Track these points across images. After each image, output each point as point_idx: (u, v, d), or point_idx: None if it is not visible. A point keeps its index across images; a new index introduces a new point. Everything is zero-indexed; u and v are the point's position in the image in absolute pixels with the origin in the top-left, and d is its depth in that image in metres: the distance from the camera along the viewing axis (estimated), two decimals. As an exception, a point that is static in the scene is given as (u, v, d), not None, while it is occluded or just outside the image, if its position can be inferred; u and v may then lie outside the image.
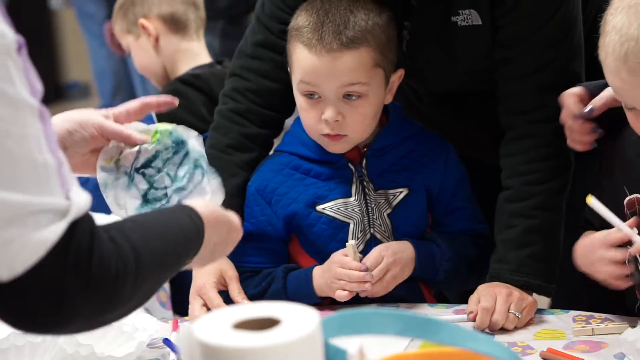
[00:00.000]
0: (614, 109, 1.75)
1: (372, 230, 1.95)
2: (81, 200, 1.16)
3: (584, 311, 1.87)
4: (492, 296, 1.84)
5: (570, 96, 1.81)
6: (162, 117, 2.24)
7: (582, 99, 1.80)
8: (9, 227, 1.09)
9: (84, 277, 1.13)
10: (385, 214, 1.95)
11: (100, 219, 1.21)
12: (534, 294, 1.89)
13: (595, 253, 1.73)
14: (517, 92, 1.92)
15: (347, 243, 1.88)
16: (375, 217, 1.95)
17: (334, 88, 1.87)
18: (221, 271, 1.93)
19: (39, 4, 6.57)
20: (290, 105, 2.02)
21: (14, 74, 1.11)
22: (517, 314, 1.82)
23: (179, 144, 1.67)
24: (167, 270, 1.33)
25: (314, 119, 1.91)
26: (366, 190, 1.95)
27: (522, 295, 1.86)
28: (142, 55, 2.76)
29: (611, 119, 1.78)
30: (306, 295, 1.92)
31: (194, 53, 2.74)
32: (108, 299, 1.17)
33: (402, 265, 1.91)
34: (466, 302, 1.88)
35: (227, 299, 1.92)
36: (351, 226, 1.95)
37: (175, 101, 1.73)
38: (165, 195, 1.64)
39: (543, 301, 2.02)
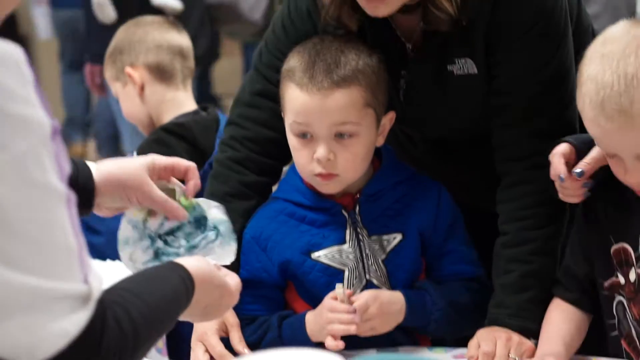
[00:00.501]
0: None
1: (368, 277, 1.95)
2: (98, 284, 1.19)
3: (581, 355, 1.89)
4: (492, 341, 1.86)
5: (556, 156, 1.82)
6: None
7: (569, 157, 1.81)
8: (30, 313, 1.11)
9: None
10: (380, 259, 1.96)
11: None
12: (532, 339, 1.91)
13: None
14: (513, 139, 1.95)
15: (336, 285, 1.88)
16: (370, 262, 1.95)
17: (325, 126, 1.88)
18: (223, 318, 1.93)
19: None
20: (288, 153, 2.03)
21: (46, 161, 1.13)
22: (517, 359, 1.84)
23: (201, 220, 1.70)
24: (162, 333, 1.38)
25: (306, 158, 1.92)
26: (360, 236, 1.96)
27: (521, 339, 1.88)
28: (129, 103, 2.76)
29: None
30: (301, 342, 1.91)
31: (179, 102, 2.73)
32: None
33: (386, 318, 1.90)
34: (462, 345, 1.90)
35: (228, 346, 1.91)
36: (346, 273, 1.95)
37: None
38: (177, 254, 1.67)
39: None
